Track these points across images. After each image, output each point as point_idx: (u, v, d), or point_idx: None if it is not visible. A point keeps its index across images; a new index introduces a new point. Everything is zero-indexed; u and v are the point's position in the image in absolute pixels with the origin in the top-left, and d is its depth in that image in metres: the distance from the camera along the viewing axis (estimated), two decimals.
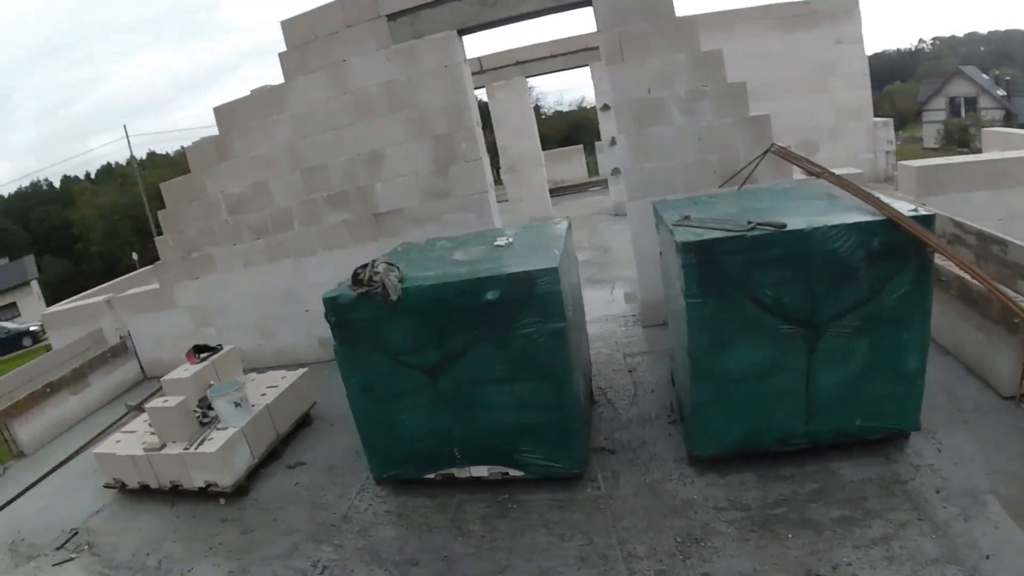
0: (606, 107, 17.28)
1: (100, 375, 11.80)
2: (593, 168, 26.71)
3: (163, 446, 7.45)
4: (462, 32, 9.23)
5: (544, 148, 20.56)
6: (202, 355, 8.49)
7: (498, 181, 16.65)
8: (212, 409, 7.74)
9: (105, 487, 7.93)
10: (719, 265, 5.26)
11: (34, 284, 50.04)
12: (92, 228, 55.12)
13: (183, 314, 11.70)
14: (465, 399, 6.00)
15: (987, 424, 5.97)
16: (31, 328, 35.04)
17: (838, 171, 6.95)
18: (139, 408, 9.34)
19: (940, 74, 53.20)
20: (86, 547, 7.07)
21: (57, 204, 62.71)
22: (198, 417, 7.75)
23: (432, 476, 6.49)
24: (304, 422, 8.63)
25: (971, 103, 47.21)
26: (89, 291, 15.75)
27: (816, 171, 7.20)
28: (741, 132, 8.57)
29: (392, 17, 9.23)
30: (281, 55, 9.88)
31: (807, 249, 5.13)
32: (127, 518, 7.49)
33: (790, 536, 5.05)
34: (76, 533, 7.36)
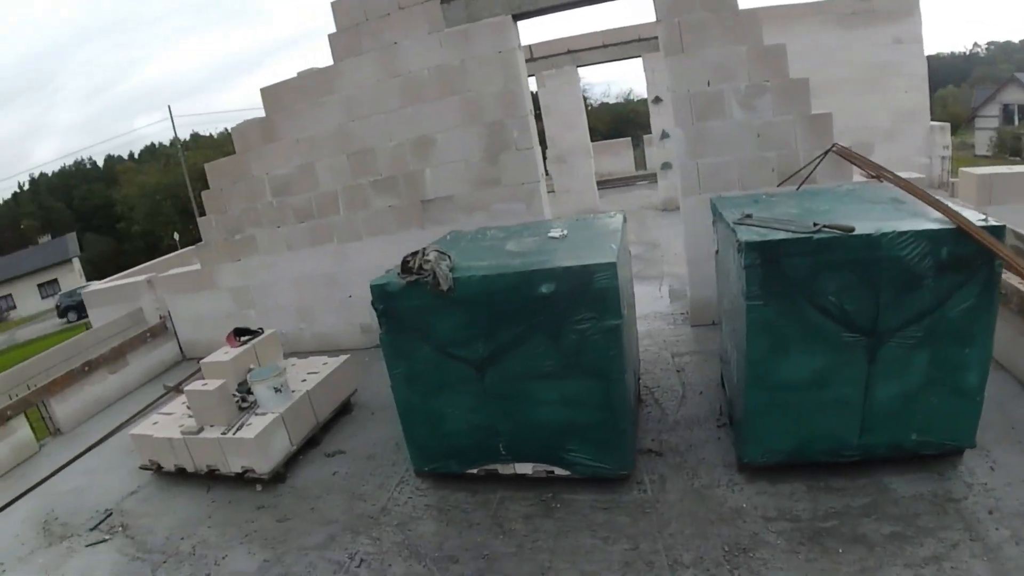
0: (657, 100, 17.03)
1: (139, 355, 11.84)
2: (640, 162, 26.44)
3: (201, 430, 7.39)
4: (517, 17, 9.01)
5: (590, 140, 20.27)
6: (243, 338, 8.40)
7: (545, 171, 16.52)
8: (251, 394, 7.66)
9: (141, 468, 7.90)
10: (782, 267, 5.03)
11: (75, 261, 51.04)
12: (134, 207, 56.01)
13: (224, 296, 11.71)
14: (513, 394, 5.83)
15: None
16: None
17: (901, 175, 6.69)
18: (177, 389, 9.36)
19: (995, 80, 52.26)
20: (120, 529, 7.03)
21: (100, 183, 63.88)
22: (237, 401, 7.67)
23: (475, 471, 6.34)
24: (344, 410, 8.52)
25: None
26: (130, 270, 15.90)
27: (882, 173, 6.95)
28: (802, 130, 8.29)
29: (446, 0, 9.07)
30: (331, 37, 9.77)
31: (874, 255, 4.87)
32: (162, 501, 7.44)
33: (840, 551, 4.83)
34: (110, 514, 7.33)
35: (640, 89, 61.97)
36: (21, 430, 9.48)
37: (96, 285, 14.67)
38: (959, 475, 5.41)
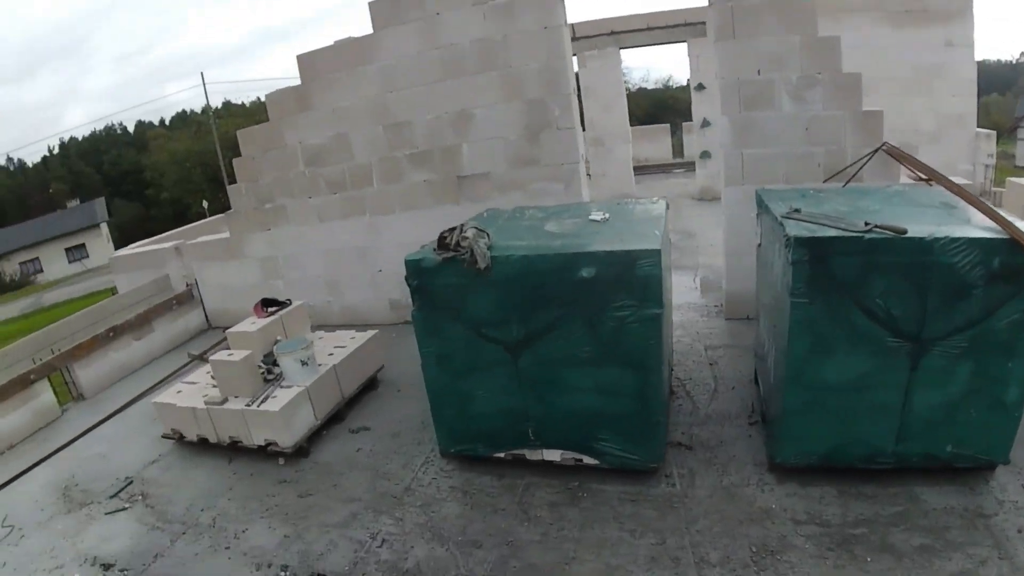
0: (700, 87, 16.76)
1: (164, 322, 11.84)
2: (678, 149, 26.09)
3: (225, 400, 7.33)
4: None
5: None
6: (270, 309, 8.32)
7: None
8: (277, 366, 7.60)
9: (163, 437, 7.89)
10: (830, 266, 4.86)
11: (104, 227, 51.32)
12: (164, 174, 56.20)
13: (252, 265, 11.67)
14: (546, 379, 5.72)
15: None
16: None
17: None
18: (202, 358, 9.32)
19: None
20: (140, 497, 7.00)
21: (131, 148, 64.14)
22: (262, 373, 7.61)
23: (502, 455, 6.25)
24: (370, 385, 8.45)
25: None
26: (158, 236, 15.87)
27: (935, 177, 6.75)
28: (851, 126, 8.06)
29: None
30: (371, 5, 9.60)
31: (925, 260, 4.69)
32: (183, 470, 7.42)
33: (868, 560, 4.71)
34: (131, 482, 7.31)
35: (679, 76, 61.43)
36: (44, 394, 9.48)
37: (122, 251, 14.66)
38: (991, 491, 5.26)
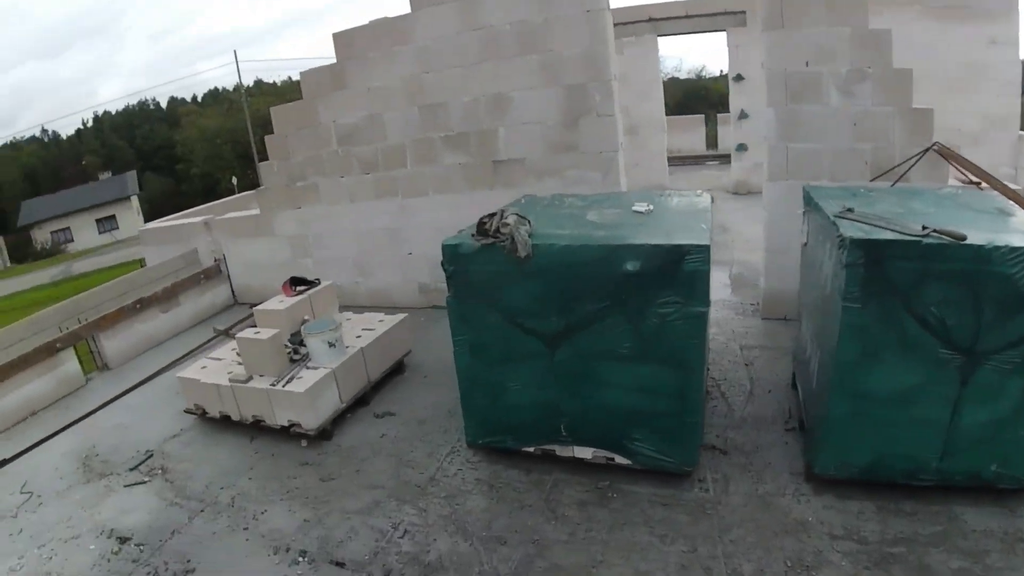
0: (739, 77, 16.39)
1: (191, 296, 11.82)
2: (711, 141, 25.66)
3: (249, 378, 7.24)
4: None
5: None
6: (299, 288, 8.23)
7: None
8: (304, 346, 7.48)
9: (185, 412, 7.83)
10: (885, 270, 4.62)
11: (134, 199, 51.99)
12: (194, 150, 56.79)
13: (281, 243, 11.60)
14: (582, 374, 5.55)
15: None
16: None
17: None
18: (227, 333, 9.25)
19: None
20: (159, 471, 6.95)
21: (163, 124, 64.79)
22: (289, 353, 7.51)
23: (531, 450, 6.08)
24: (397, 370, 8.32)
25: None
26: (187, 211, 15.87)
27: (986, 179, 6.49)
28: (900, 123, 7.75)
29: None
30: None
31: (983, 269, 4.44)
32: (204, 447, 7.35)
33: None
34: (151, 455, 7.26)
35: (713, 66, 60.59)
36: (69, 363, 9.48)
37: (152, 224, 14.67)
38: None
